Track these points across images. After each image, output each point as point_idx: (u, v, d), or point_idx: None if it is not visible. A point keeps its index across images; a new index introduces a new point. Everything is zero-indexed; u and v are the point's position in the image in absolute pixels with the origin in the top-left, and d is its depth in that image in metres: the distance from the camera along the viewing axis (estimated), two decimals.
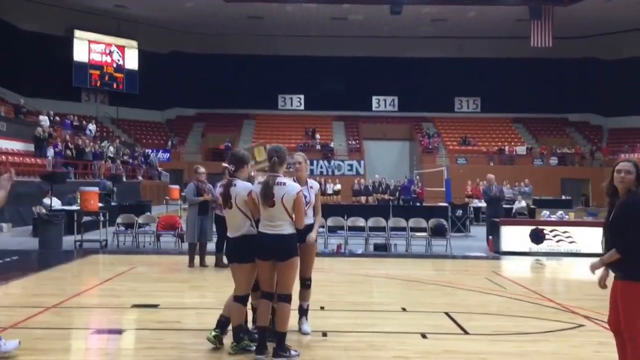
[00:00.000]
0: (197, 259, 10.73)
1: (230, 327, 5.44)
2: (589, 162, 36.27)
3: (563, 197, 30.36)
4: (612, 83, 36.91)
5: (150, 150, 34.86)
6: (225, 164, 5.41)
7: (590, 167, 35.65)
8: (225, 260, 10.73)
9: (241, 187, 5.22)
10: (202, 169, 10.79)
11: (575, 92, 37.96)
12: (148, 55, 37.69)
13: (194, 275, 10.07)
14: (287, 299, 5.18)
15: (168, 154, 36.36)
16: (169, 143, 37.52)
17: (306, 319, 6.12)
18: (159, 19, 36.50)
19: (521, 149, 36.56)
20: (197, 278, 9.78)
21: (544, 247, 13.54)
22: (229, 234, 5.38)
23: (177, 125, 40.45)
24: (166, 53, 38.77)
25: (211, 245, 10.92)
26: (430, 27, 36.81)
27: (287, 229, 5.11)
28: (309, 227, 5.72)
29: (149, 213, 16.30)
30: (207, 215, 10.69)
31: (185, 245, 12.16)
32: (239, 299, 5.33)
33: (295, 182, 5.51)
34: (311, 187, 5.89)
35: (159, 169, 33.20)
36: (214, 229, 10.79)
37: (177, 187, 27.52)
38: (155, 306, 7.37)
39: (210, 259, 10.75)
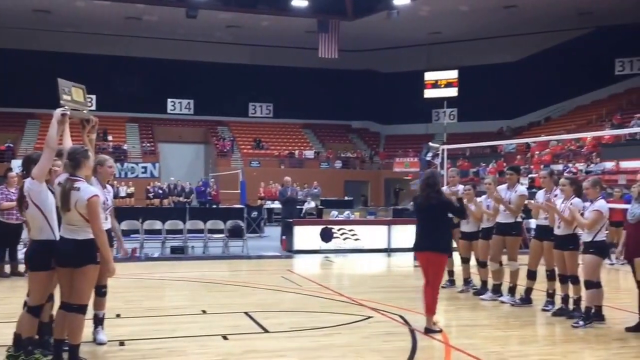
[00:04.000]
0: None
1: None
2: (369, 166, 39.45)
3: (346, 198, 32.81)
4: (389, 94, 40.52)
5: None
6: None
7: (369, 170, 38.83)
8: (7, 269, 9.91)
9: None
10: None
11: (357, 101, 40.88)
12: None
13: None
14: (80, 309, 4.89)
15: None
16: None
17: (102, 328, 5.89)
18: None
19: (309, 153, 38.58)
20: None
21: (332, 245, 14.51)
22: (31, 236, 5.05)
23: None
24: None
25: None
26: (225, 32, 37.09)
27: (83, 235, 4.87)
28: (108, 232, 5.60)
29: None
30: None
31: None
32: (31, 310, 4.97)
33: (97, 184, 5.50)
34: (109, 192, 5.92)
35: None
36: None
37: None
38: None
39: None
